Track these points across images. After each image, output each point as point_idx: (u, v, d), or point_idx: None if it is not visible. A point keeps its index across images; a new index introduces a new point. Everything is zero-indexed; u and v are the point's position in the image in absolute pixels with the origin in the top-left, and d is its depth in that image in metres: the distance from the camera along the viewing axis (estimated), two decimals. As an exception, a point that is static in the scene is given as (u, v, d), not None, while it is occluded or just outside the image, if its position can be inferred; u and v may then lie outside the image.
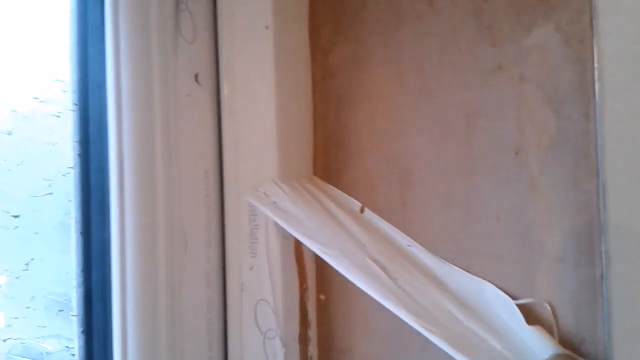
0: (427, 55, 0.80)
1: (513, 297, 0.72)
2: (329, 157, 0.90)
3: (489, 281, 0.74)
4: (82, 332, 0.85)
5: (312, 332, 0.89)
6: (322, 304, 0.90)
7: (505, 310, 0.71)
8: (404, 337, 0.80)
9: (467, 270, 0.76)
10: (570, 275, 0.69)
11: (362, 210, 0.85)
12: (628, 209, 0.67)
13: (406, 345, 0.81)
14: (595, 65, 0.66)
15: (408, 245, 0.80)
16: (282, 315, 0.84)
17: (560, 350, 0.67)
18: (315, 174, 0.91)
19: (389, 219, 0.83)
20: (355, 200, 0.86)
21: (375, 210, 0.84)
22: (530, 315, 0.71)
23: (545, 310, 0.70)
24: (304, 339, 0.88)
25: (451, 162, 0.78)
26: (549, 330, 0.69)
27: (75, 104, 0.81)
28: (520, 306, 0.71)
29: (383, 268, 0.77)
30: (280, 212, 0.83)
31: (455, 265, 0.77)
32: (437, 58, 0.79)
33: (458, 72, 0.77)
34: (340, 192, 0.87)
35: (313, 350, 0.89)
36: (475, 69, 0.76)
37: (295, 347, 0.87)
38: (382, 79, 0.84)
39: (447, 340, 0.69)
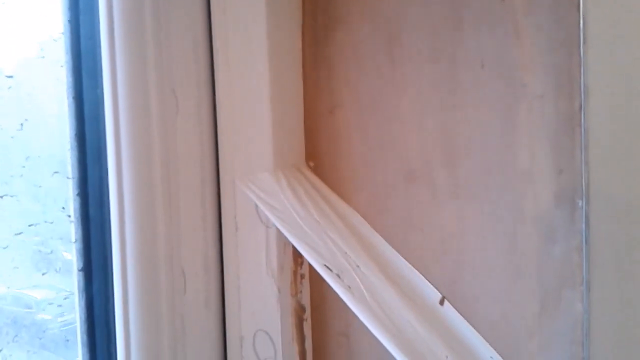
0: None
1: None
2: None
3: (473, 128, 0.77)
4: (77, 194, 0.87)
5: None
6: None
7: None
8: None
9: (451, 123, 0.79)
10: (550, 110, 0.72)
11: (442, 303, 0.80)
12: (607, 42, 0.69)
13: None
14: None
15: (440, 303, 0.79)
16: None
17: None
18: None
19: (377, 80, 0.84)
20: (433, 288, 0.81)
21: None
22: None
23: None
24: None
25: (438, 18, 0.79)
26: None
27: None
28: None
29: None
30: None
31: (441, 113, 0.79)
32: None
33: None
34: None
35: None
36: None
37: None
38: None
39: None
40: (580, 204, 0.70)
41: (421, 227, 0.82)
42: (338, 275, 0.79)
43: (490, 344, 0.77)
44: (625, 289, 0.70)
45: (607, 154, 0.70)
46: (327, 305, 0.90)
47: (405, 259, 0.84)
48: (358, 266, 0.80)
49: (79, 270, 0.87)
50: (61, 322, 0.91)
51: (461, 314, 0.79)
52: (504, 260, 0.76)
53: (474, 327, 0.78)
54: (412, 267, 0.82)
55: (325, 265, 0.79)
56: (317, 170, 0.91)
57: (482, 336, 0.78)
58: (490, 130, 0.76)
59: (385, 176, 0.85)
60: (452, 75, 0.78)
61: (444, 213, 0.80)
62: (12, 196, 0.81)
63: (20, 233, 0.82)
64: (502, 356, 0.77)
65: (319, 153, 0.91)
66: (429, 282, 0.81)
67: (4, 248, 0.81)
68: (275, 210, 0.84)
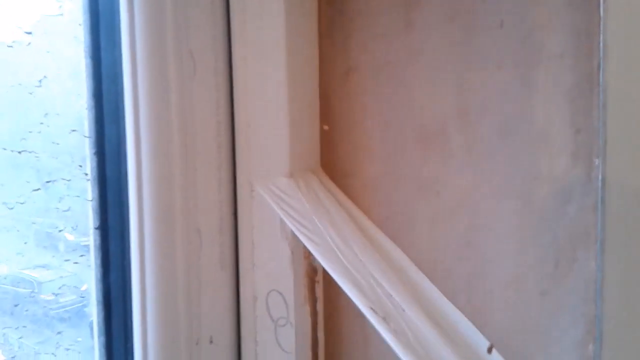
0: None
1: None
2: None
3: (489, 89, 0.77)
4: (94, 153, 0.88)
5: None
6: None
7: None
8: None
9: (468, 84, 0.79)
10: (568, 70, 0.72)
11: (489, 351, 0.78)
12: (627, 1, 0.69)
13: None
14: None
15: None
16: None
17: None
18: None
19: (390, 44, 0.85)
20: (480, 335, 0.79)
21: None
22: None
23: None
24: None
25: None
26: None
27: None
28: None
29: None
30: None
31: (458, 75, 0.79)
32: None
33: None
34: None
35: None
36: None
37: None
38: None
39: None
40: (596, 162, 0.71)
41: (436, 189, 0.83)
42: (384, 319, 0.78)
43: (503, 305, 0.78)
44: (639, 247, 0.71)
45: (624, 113, 0.70)
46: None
47: (418, 223, 0.84)
48: (404, 310, 0.79)
49: (95, 229, 0.87)
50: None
51: (475, 275, 0.80)
52: (519, 221, 0.77)
53: (488, 289, 0.79)
54: (459, 311, 0.81)
55: (371, 308, 0.79)
56: (331, 134, 0.92)
57: (495, 298, 0.79)
58: (507, 91, 0.76)
59: (399, 139, 0.85)
60: (469, 36, 0.78)
61: (459, 175, 0.81)
62: (30, 152, 0.82)
63: (37, 189, 0.83)
64: (514, 316, 0.77)
65: (333, 116, 0.91)
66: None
67: (22, 204, 0.81)
68: (309, 234, 0.84)
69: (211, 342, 0.88)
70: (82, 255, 0.86)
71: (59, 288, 0.89)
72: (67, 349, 0.92)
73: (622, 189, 0.70)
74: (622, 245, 0.71)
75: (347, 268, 0.82)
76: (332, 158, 0.92)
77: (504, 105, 0.76)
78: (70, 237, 0.90)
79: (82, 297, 0.91)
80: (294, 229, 0.84)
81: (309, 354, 0.90)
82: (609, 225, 0.71)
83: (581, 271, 0.73)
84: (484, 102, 0.77)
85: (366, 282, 0.81)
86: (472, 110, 0.79)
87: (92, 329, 0.90)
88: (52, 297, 0.94)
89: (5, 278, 0.89)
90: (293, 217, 0.84)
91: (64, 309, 0.94)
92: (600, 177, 0.71)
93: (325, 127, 0.92)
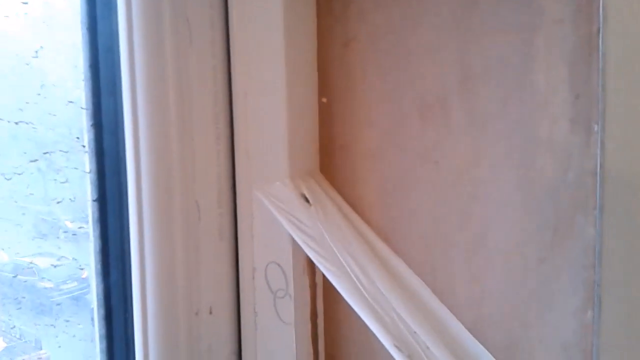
0: None
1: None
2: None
3: (490, 56, 0.77)
4: (92, 125, 0.87)
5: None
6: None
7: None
8: None
9: (468, 52, 0.78)
10: (568, 35, 0.72)
11: None
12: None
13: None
14: None
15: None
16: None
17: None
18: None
19: (390, 12, 0.84)
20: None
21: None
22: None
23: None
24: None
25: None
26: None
27: None
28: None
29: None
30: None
31: (458, 43, 0.79)
32: None
33: None
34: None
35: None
36: None
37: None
38: None
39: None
40: (596, 128, 0.71)
41: (435, 159, 0.83)
42: (410, 357, 0.78)
43: (502, 273, 0.78)
44: (638, 213, 0.70)
45: (624, 78, 0.70)
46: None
47: (418, 193, 0.84)
48: (428, 347, 0.78)
49: (94, 201, 0.87)
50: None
51: (473, 246, 0.80)
52: (519, 189, 0.77)
53: (488, 257, 0.79)
54: (482, 346, 0.80)
55: (396, 346, 0.78)
56: (330, 106, 0.91)
57: (494, 267, 0.79)
58: (507, 58, 0.76)
59: (399, 109, 0.85)
60: (470, 2, 0.77)
61: (459, 144, 0.81)
62: (27, 123, 0.82)
63: (35, 160, 0.83)
64: (513, 284, 0.78)
65: (332, 88, 0.91)
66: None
67: (19, 174, 0.81)
68: (323, 259, 0.84)
69: (210, 312, 0.88)
70: (80, 227, 0.86)
71: (56, 267, 0.89)
72: (66, 333, 0.92)
73: (621, 155, 0.70)
74: (621, 211, 0.71)
75: (365, 297, 0.81)
76: (331, 130, 0.92)
77: (505, 71, 0.76)
78: (68, 213, 0.90)
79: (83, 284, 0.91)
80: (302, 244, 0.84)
81: (308, 325, 0.91)
82: (608, 191, 0.70)
83: (580, 237, 0.73)
84: (485, 69, 0.77)
85: (389, 317, 0.80)
86: (473, 78, 0.78)
87: (92, 316, 0.90)
88: (52, 285, 0.94)
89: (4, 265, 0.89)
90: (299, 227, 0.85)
91: (65, 296, 0.94)
92: (599, 142, 0.71)
93: (324, 100, 0.92)
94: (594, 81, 0.70)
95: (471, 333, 0.81)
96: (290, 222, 0.84)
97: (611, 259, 0.71)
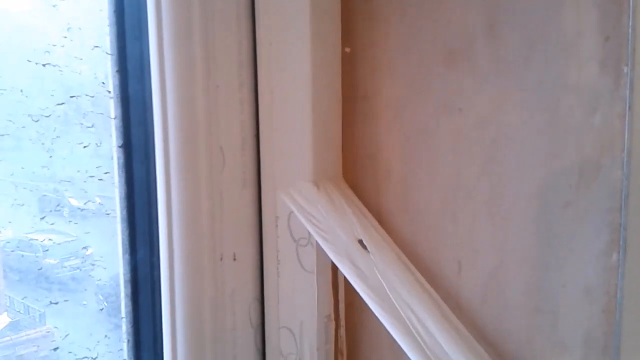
0: None
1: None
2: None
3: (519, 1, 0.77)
4: (117, 71, 0.87)
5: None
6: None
7: None
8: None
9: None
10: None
11: None
12: None
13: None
14: None
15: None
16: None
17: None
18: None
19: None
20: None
21: None
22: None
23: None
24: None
25: None
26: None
27: None
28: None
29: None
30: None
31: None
32: None
33: None
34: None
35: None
36: None
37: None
38: None
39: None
40: (625, 70, 0.71)
41: (459, 106, 0.83)
42: None
43: (525, 218, 0.79)
44: (666, 155, 0.71)
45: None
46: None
47: (441, 140, 0.85)
48: None
49: (119, 147, 0.88)
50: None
51: (498, 189, 0.80)
52: (544, 133, 0.77)
53: (512, 202, 0.80)
54: None
55: None
56: (353, 55, 0.91)
57: (519, 211, 0.79)
58: (535, 1, 0.75)
59: (424, 57, 0.85)
60: (499, -55, 0.77)
61: (484, 91, 0.81)
62: (54, 66, 0.82)
63: (62, 103, 0.83)
64: (537, 229, 0.78)
65: (355, 37, 0.91)
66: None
67: (47, 117, 0.81)
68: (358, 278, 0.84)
69: (234, 259, 0.89)
70: (106, 173, 0.87)
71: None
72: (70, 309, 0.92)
73: (650, 95, 0.70)
74: (648, 153, 0.71)
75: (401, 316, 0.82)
76: (354, 80, 0.92)
77: (533, 14, 0.75)
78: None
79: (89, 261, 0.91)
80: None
81: (329, 273, 0.92)
82: (636, 133, 0.71)
83: (606, 180, 0.73)
84: (511, 13, 0.77)
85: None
86: (499, 22, 0.78)
87: (96, 293, 0.91)
88: (57, 261, 0.94)
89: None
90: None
91: (70, 272, 0.94)
92: (628, 85, 0.71)
93: (347, 49, 0.92)
94: (624, 23, 0.70)
95: (492, 279, 0.82)
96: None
97: (638, 201, 0.72)
